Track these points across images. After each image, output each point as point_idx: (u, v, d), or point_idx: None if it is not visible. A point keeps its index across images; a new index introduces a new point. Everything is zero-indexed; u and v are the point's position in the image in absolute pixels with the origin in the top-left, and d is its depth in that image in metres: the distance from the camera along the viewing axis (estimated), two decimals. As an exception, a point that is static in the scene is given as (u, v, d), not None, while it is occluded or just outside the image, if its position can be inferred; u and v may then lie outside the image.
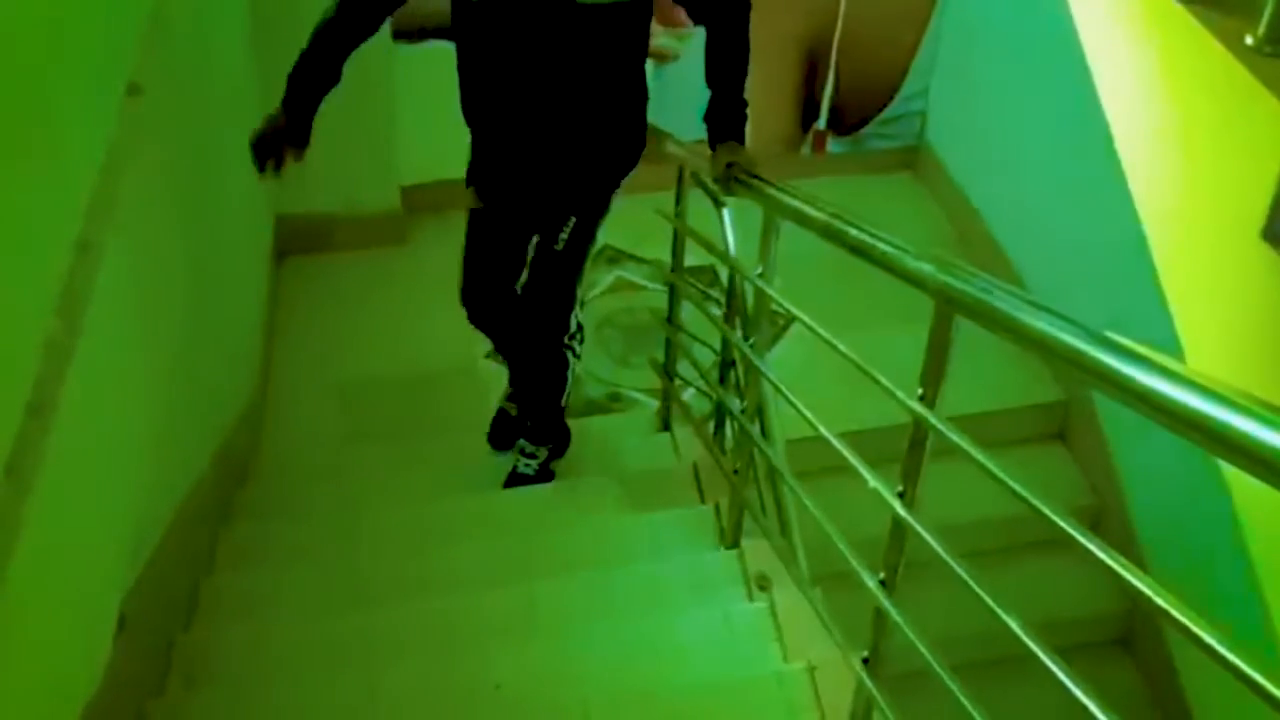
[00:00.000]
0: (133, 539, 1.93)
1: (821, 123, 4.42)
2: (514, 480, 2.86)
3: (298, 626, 2.26)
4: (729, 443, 2.74)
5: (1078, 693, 1.05)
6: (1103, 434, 3.30)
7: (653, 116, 2.54)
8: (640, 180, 3.69)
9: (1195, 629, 0.83)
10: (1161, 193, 2.78)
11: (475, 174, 2.50)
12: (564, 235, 2.46)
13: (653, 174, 2.83)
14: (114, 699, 1.71)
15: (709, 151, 2.30)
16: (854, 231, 1.54)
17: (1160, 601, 0.89)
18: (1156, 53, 2.75)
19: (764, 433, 2.38)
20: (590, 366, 3.78)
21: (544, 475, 2.88)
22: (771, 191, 2.00)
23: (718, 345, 2.88)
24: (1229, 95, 2.37)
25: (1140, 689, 3.12)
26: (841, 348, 1.54)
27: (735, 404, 2.43)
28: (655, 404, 3.43)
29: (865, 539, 1.66)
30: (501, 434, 3.04)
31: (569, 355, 2.82)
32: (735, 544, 2.41)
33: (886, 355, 1.49)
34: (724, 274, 2.87)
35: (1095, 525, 3.32)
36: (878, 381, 1.41)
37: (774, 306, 2.12)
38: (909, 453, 1.38)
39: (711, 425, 2.93)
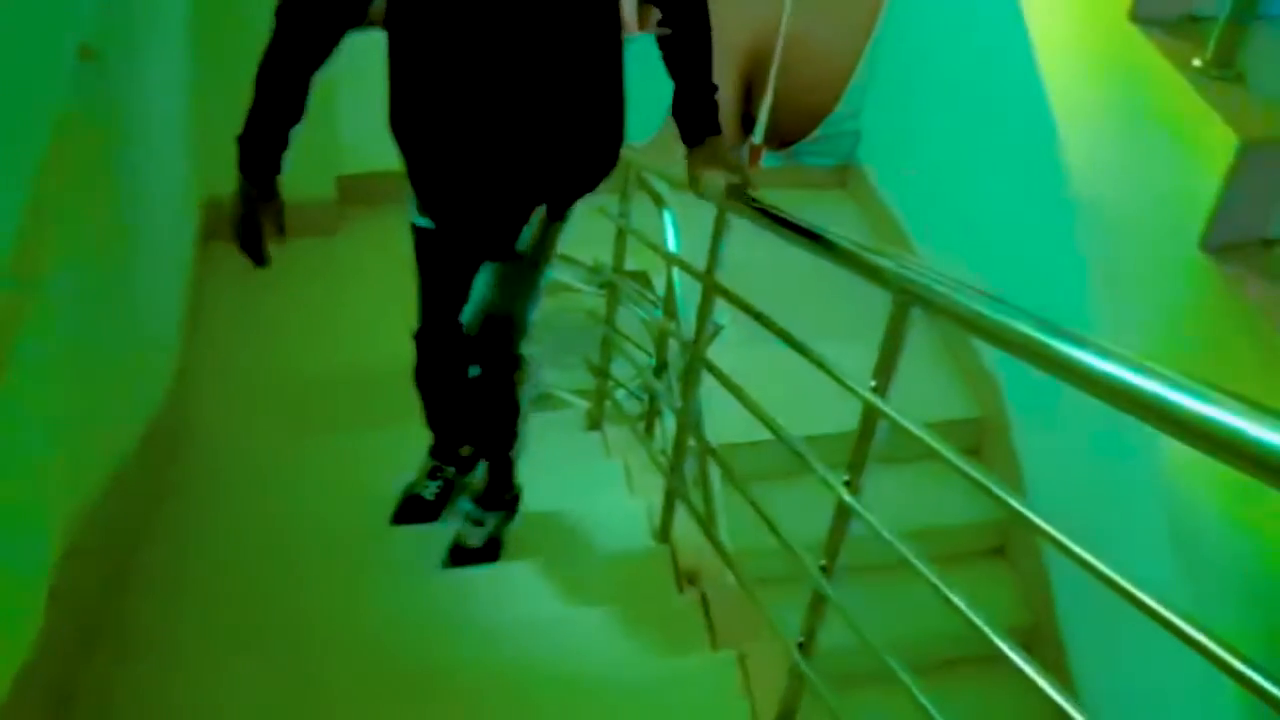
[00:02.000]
0: (63, 509, 1.90)
1: (757, 137, 4.51)
2: (459, 558, 2.50)
3: (229, 608, 2.24)
4: (660, 443, 2.78)
5: (1048, 688, 1.09)
6: (1013, 450, 3.41)
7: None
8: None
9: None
10: (1106, 210, 2.89)
11: (424, 194, 2.16)
12: (528, 235, 2.11)
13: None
14: (45, 666, 1.68)
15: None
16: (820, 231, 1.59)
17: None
18: (1107, 71, 2.85)
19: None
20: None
21: (490, 550, 2.52)
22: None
23: (649, 348, 2.93)
24: (1176, 114, 2.48)
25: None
26: (797, 340, 1.60)
27: (673, 403, 2.48)
28: (586, 404, 3.46)
29: (798, 544, 1.70)
30: (409, 513, 2.68)
31: (520, 399, 2.45)
32: (666, 539, 2.46)
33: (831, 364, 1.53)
34: (660, 278, 2.92)
35: (1005, 538, 3.44)
36: (830, 373, 1.47)
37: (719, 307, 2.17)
38: (857, 443, 1.43)
39: (642, 427, 2.97)
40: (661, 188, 2.73)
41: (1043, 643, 3.19)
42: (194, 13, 3.62)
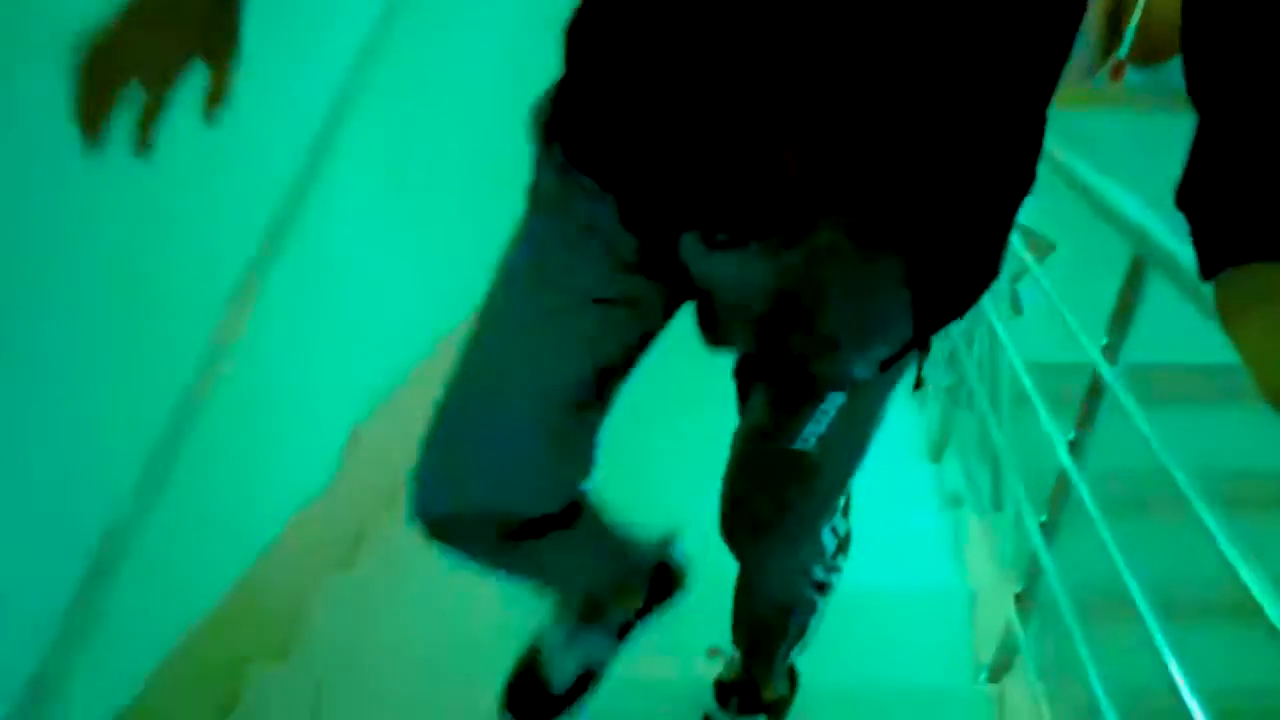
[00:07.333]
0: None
1: (1122, 51, 4.19)
2: None
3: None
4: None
5: None
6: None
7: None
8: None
9: None
10: None
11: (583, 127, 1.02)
12: (824, 416, 1.08)
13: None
14: (330, 512, 1.97)
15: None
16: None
17: None
18: None
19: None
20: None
21: None
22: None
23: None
24: None
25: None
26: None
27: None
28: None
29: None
30: (528, 702, 1.48)
31: (819, 595, 1.49)
32: (939, 459, 2.50)
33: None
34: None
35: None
36: (1066, 321, 1.45)
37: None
38: (1086, 399, 1.42)
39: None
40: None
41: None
42: None
